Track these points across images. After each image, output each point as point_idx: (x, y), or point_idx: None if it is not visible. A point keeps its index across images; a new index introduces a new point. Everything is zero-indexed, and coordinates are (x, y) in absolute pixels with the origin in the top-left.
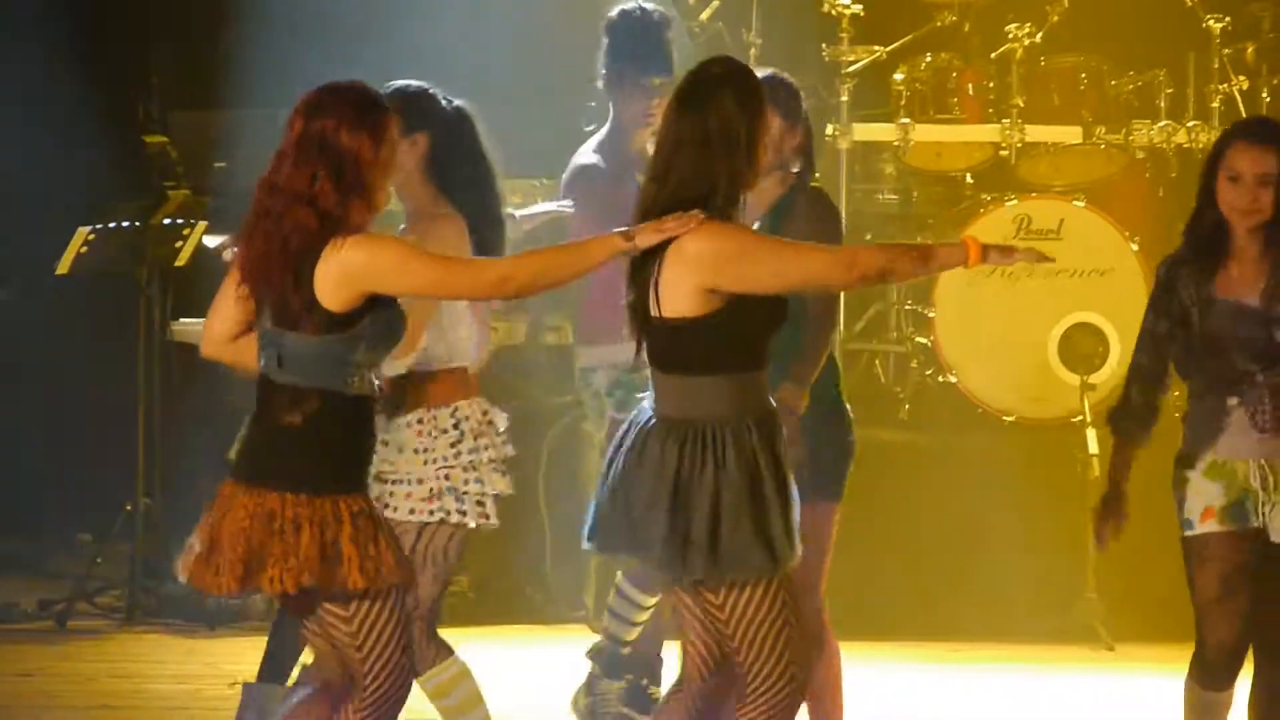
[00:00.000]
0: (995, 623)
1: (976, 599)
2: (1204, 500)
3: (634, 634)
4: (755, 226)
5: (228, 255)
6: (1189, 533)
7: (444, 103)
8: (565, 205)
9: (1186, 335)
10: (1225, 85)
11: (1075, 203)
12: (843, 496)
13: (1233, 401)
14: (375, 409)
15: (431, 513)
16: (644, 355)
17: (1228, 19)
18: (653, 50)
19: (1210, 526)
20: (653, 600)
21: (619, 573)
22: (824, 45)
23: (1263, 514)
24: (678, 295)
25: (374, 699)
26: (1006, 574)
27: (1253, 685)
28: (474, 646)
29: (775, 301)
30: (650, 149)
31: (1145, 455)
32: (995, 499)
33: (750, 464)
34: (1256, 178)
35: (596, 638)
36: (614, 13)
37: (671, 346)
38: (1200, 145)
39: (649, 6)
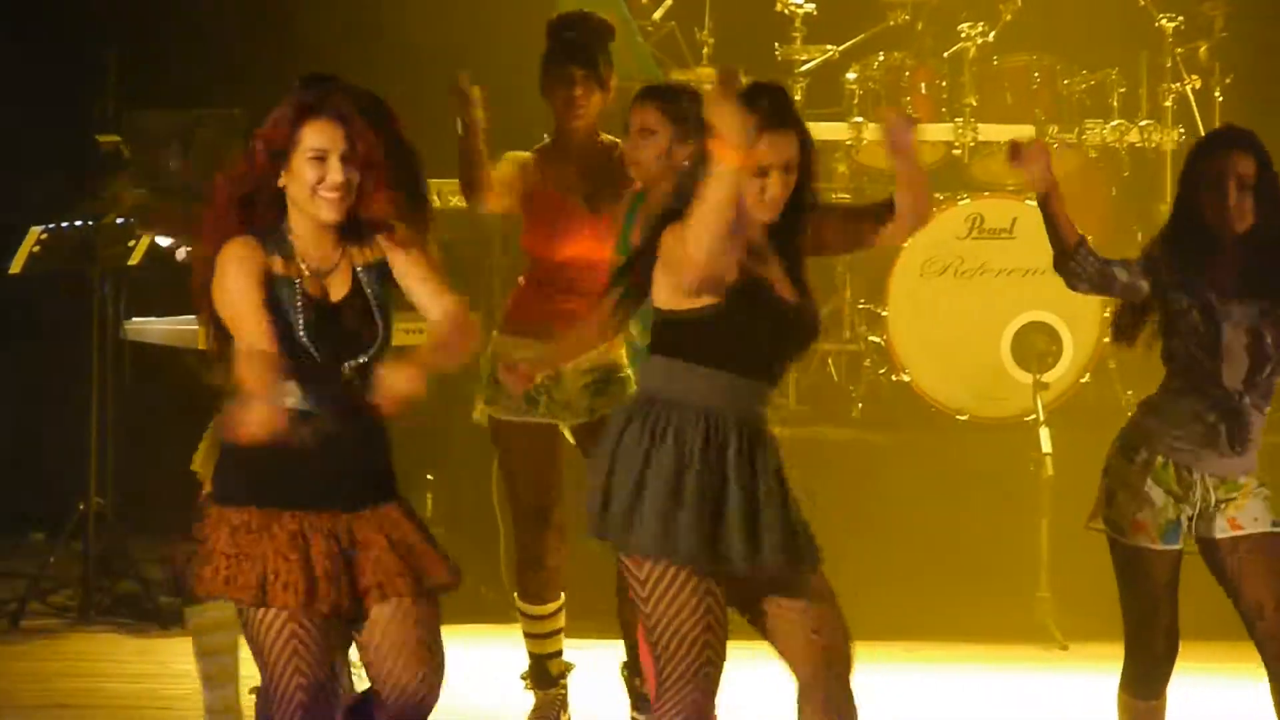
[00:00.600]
0: (948, 622)
1: (930, 598)
2: (1138, 509)
3: None
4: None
5: (181, 254)
6: (1121, 539)
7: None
8: None
9: (1173, 323)
10: (1178, 84)
11: (1028, 201)
12: None
13: (1212, 418)
14: None
15: None
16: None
17: (1180, 18)
18: (580, 44)
19: (1142, 541)
20: None
21: None
22: (777, 44)
23: (1211, 522)
24: (662, 288)
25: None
26: (960, 573)
27: (1272, 682)
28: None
29: (773, 309)
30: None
31: (1093, 454)
32: (948, 498)
33: (687, 454)
34: (1240, 181)
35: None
36: (555, 16)
37: (660, 332)
38: (1153, 144)
39: (591, 14)
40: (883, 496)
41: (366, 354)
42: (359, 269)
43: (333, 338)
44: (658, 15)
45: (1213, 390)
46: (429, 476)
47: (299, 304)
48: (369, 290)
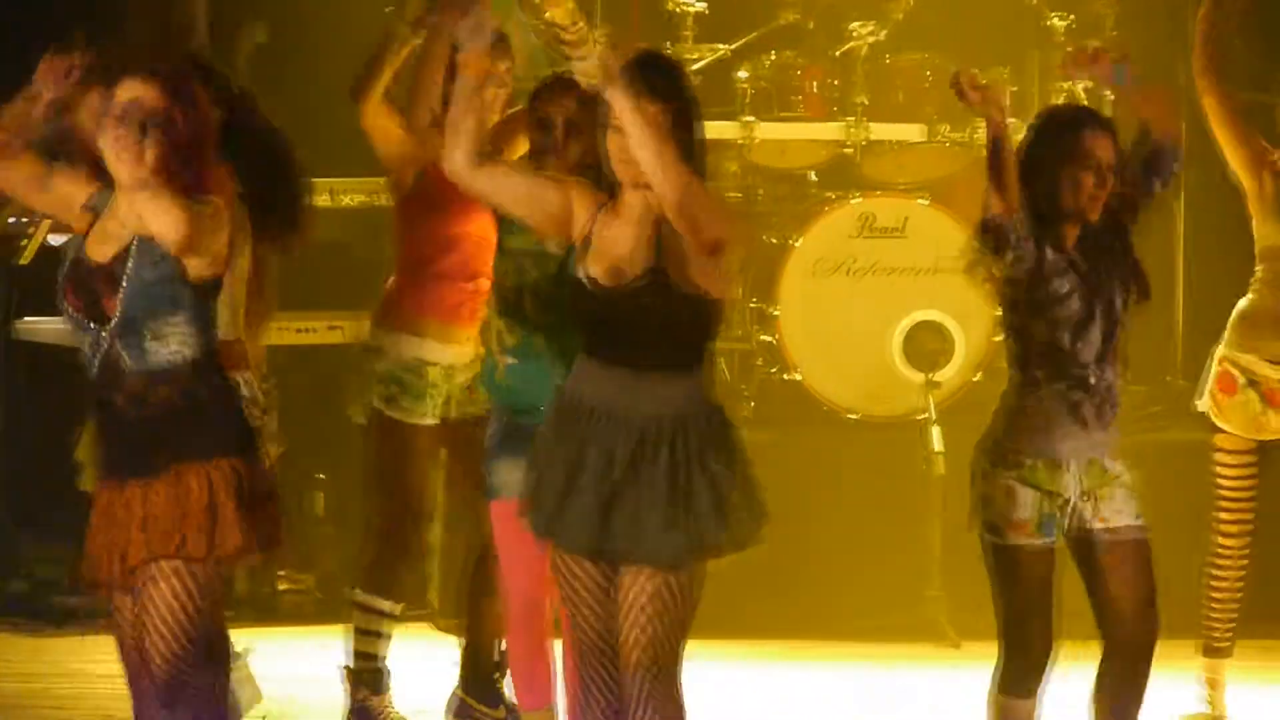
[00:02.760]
0: (840, 620)
1: (822, 596)
2: (1014, 510)
3: None
4: None
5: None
6: (997, 540)
7: None
8: None
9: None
10: (1069, 83)
11: (919, 201)
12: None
13: (1076, 397)
14: None
15: None
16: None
17: (1071, 17)
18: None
19: (1020, 539)
20: None
21: None
22: (668, 43)
23: (1081, 513)
24: None
25: None
26: (851, 571)
27: (1100, 674)
28: (319, 645)
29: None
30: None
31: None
32: (840, 496)
33: (563, 440)
34: (1105, 165)
35: (440, 635)
36: None
37: None
38: None
39: None
40: (774, 495)
41: (105, 326)
42: (139, 239)
43: (85, 299)
44: (549, 14)
45: (1073, 369)
46: (320, 476)
47: (74, 259)
48: (130, 261)
